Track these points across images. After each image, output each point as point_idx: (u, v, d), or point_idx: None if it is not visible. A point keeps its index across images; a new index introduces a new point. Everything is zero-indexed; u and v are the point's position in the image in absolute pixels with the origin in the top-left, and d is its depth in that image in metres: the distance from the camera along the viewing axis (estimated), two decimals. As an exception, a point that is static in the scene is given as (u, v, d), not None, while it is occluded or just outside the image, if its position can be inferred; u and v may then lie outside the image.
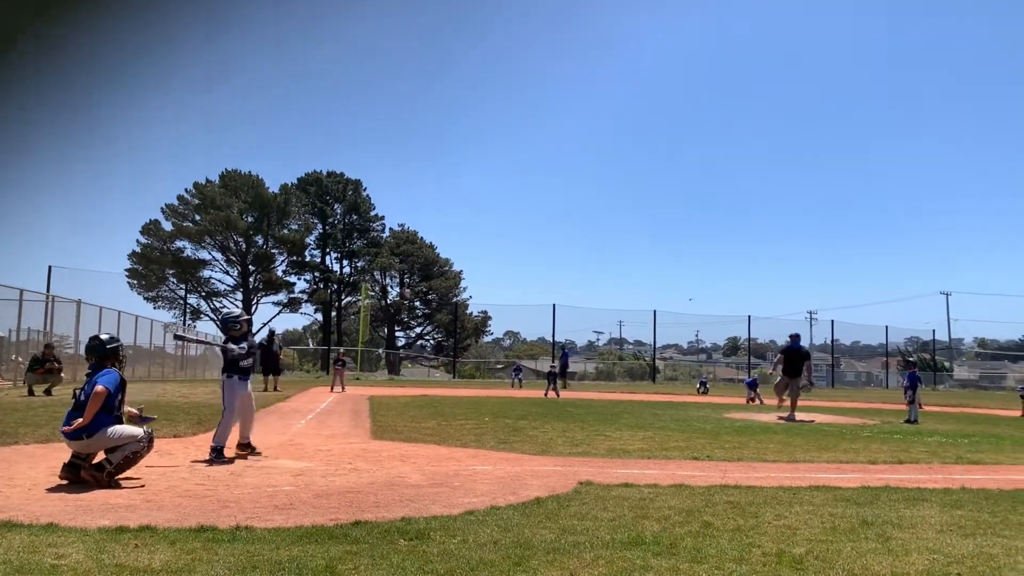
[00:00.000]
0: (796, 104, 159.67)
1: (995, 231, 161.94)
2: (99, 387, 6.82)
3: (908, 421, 16.90)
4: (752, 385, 25.37)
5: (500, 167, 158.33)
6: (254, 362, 9.19)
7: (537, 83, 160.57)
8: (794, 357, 18.09)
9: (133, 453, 6.80)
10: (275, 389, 23.32)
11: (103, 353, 7.21)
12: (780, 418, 17.06)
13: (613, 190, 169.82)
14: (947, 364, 78.11)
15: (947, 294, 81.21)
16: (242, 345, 8.68)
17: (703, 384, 41.27)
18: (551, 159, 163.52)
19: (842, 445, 11.54)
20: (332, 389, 25.80)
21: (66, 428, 6.79)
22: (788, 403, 17.71)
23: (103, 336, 7.41)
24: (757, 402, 23.70)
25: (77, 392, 7.14)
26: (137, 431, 6.96)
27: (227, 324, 9.04)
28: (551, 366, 28.99)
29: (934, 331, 74.52)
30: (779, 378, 18.65)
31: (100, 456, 6.79)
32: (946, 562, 4.56)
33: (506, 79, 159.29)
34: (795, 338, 18.77)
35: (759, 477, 8.00)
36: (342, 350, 29.69)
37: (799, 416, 17.23)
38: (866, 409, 23.08)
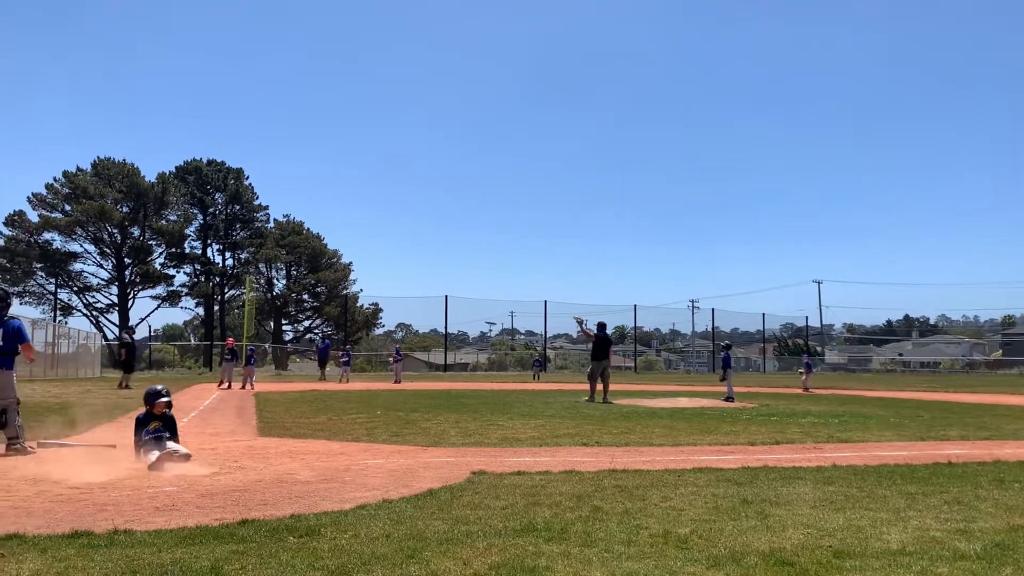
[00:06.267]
0: (677, 104, 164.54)
1: (863, 223, 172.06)
2: (30, 342, 8.65)
3: (727, 399, 18.23)
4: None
5: (389, 157, 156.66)
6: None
7: (420, 73, 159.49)
8: (603, 343, 19.06)
9: (17, 414, 8.13)
10: (127, 387, 22.47)
11: (8, 303, 8.59)
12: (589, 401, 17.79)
13: (504, 183, 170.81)
14: (819, 349, 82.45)
15: (819, 282, 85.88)
16: None
17: (538, 364, 43.72)
18: (441, 152, 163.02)
19: (723, 428, 12.00)
20: (220, 385, 24.94)
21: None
22: (602, 388, 18.42)
23: (3, 289, 8.88)
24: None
25: None
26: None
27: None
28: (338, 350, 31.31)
29: (807, 317, 78.77)
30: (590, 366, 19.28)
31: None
32: (819, 535, 4.81)
33: (388, 69, 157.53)
34: (602, 327, 19.60)
35: (646, 461, 8.22)
36: (231, 339, 28.54)
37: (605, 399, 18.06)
38: (745, 393, 24.10)
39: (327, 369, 35.90)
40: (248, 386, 24.69)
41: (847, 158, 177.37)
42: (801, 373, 29.50)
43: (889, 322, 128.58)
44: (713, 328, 68.78)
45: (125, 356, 24.45)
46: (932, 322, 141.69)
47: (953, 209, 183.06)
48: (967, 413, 16.09)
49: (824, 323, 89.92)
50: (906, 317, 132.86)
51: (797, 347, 78.92)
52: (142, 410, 8.16)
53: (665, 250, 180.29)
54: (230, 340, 28.19)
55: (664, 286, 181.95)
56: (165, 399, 8.08)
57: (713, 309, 69.99)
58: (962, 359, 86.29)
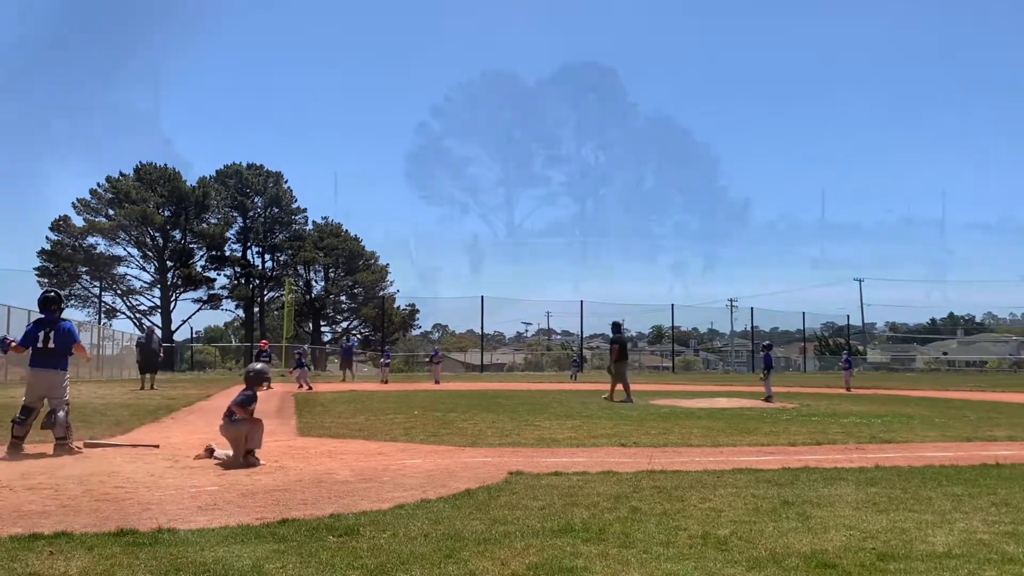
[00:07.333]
0: (709, 103, 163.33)
1: (902, 218, 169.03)
2: (82, 343, 8.86)
3: (766, 399, 18.45)
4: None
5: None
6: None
7: (456, 75, 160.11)
8: (623, 344, 18.98)
9: (67, 414, 8.25)
10: (151, 387, 22.80)
11: (61, 306, 8.84)
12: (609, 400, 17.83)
13: (536, 181, 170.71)
14: (861, 348, 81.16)
15: (860, 280, 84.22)
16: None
17: (576, 364, 44.18)
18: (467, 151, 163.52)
19: (763, 428, 11.86)
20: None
21: (48, 346, 8.31)
22: (622, 387, 18.25)
23: (56, 292, 9.05)
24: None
25: (40, 334, 8.39)
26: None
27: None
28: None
29: (848, 316, 77.47)
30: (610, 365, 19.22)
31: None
32: (862, 537, 4.73)
33: (420, 67, 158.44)
34: (616, 327, 19.47)
35: (684, 462, 8.16)
36: (265, 342, 28.95)
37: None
38: (786, 393, 23.79)
39: (354, 370, 36.14)
40: (303, 387, 24.86)
41: (888, 151, 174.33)
42: (842, 368, 29.77)
43: (933, 320, 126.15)
44: (752, 327, 68.15)
45: (139, 357, 24.90)
46: (978, 320, 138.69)
47: (998, 203, 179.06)
48: (1015, 413, 15.74)
49: (866, 321, 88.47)
50: (951, 315, 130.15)
51: (838, 346, 77.83)
52: (242, 388, 8.35)
53: (703, 248, 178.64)
54: (264, 343, 28.69)
55: (702, 285, 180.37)
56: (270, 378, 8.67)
57: (752, 308, 69.24)
58: (1010, 358, 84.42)
